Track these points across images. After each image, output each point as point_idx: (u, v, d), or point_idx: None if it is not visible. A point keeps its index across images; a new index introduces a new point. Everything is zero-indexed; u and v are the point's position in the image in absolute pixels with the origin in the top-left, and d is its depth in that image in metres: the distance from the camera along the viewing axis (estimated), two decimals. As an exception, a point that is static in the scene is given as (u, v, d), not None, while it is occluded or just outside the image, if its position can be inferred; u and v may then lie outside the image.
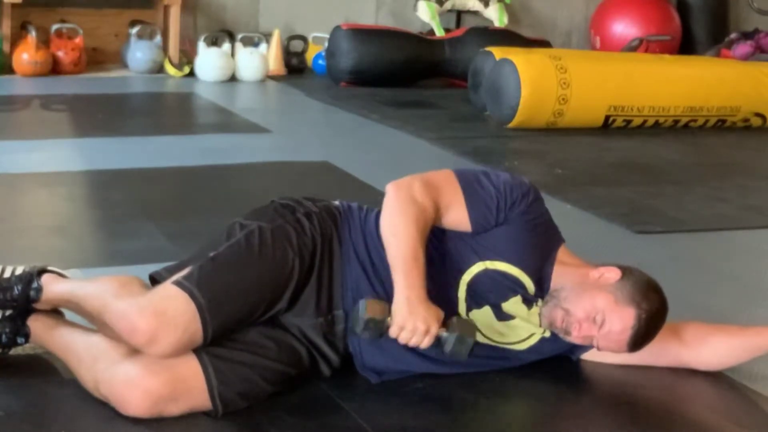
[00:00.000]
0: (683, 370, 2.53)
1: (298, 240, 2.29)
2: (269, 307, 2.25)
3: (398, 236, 2.25)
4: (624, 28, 8.54)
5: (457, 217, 2.33)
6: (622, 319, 2.27)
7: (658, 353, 2.50)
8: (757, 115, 6.42)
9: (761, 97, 6.37)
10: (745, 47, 8.08)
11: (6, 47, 6.96)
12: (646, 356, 2.50)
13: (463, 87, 6.71)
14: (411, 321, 2.17)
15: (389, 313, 2.19)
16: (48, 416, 2.15)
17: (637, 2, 8.69)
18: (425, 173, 2.37)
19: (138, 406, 2.08)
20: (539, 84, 5.75)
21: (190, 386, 2.13)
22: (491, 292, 2.34)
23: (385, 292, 2.31)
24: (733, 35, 8.45)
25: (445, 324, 2.21)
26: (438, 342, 2.20)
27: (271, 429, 2.14)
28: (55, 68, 7.03)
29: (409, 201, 2.28)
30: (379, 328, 2.18)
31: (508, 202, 2.33)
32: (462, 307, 2.34)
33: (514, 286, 2.35)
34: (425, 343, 2.18)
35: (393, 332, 2.18)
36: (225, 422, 2.15)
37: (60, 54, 7.07)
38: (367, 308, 2.17)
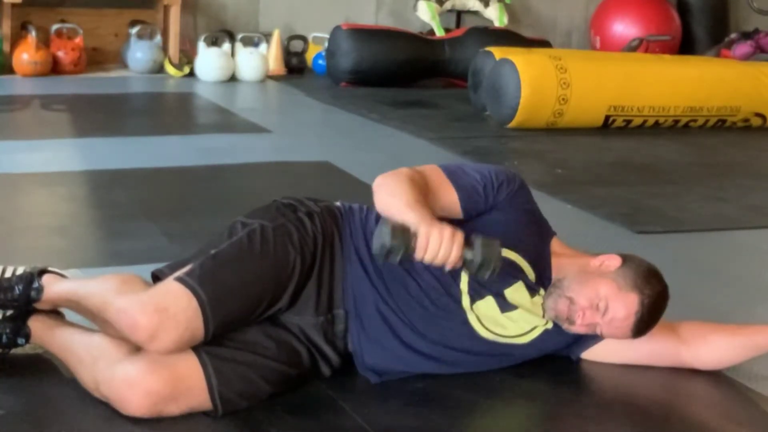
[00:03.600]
0: (683, 370, 2.53)
1: (300, 239, 2.30)
2: (270, 305, 2.25)
3: (396, 193, 2.22)
4: (624, 28, 8.55)
5: (447, 201, 2.34)
6: (626, 305, 2.28)
7: (658, 352, 2.50)
8: (757, 115, 6.42)
9: (761, 97, 6.38)
10: (745, 47, 8.09)
11: (6, 47, 6.96)
12: (646, 356, 2.51)
13: (463, 87, 6.71)
14: (437, 229, 2.12)
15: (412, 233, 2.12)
16: (48, 416, 2.15)
17: (637, 2, 8.69)
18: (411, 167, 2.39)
19: (138, 406, 2.08)
20: (539, 84, 5.75)
21: (190, 386, 2.13)
22: (493, 279, 2.34)
23: (387, 292, 2.33)
24: (733, 35, 8.46)
25: (467, 243, 2.14)
26: (464, 263, 2.14)
27: (271, 429, 2.14)
28: (55, 68, 7.04)
29: (399, 173, 2.29)
30: (407, 239, 2.09)
31: (495, 185, 2.36)
32: (465, 300, 2.34)
33: (514, 272, 2.35)
34: (455, 253, 2.12)
35: (420, 244, 2.11)
36: (225, 422, 2.15)
37: (60, 54, 7.08)
38: (389, 222, 2.11)
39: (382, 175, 2.33)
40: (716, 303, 3.13)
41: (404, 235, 2.10)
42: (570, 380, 2.49)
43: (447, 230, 2.12)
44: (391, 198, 2.23)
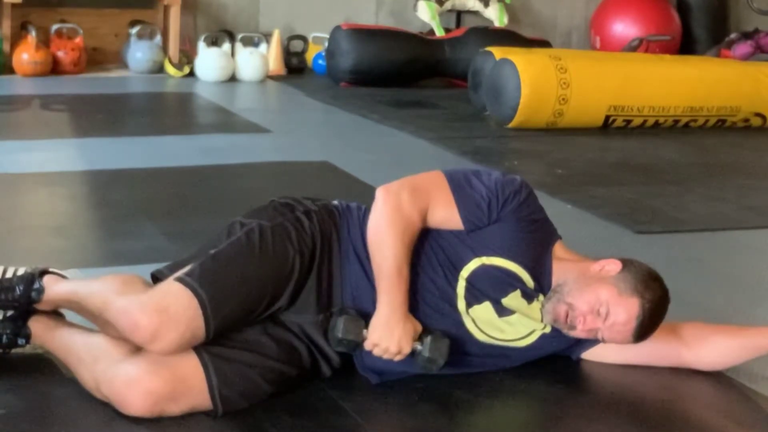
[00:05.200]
0: (683, 370, 2.53)
1: (298, 238, 2.30)
2: (270, 304, 2.25)
3: (383, 250, 2.28)
4: (624, 28, 8.55)
5: (449, 219, 2.34)
6: (627, 310, 2.28)
7: (658, 353, 2.50)
8: (757, 115, 6.42)
9: (761, 97, 6.37)
10: (745, 47, 8.09)
11: (6, 47, 6.97)
12: (646, 356, 2.51)
13: (463, 87, 6.71)
14: (385, 341, 2.25)
15: (365, 327, 2.27)
16: (48, 416, 2.15)
17: (637, 2, 8.69)
18: (415, 177, 2.39)
19: (139, 406, 2.08)
20: (539, 84, 5.75)
21: (190, 386, 2.13)
22: (490, 287, 2.34)
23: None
24: (733, 35, 8.46)
25: (420, 338, 2.29)
26: (413, 354, 2.30)
27: (271, 429, 2.14)
28: (55, 68, 7.04)
29: (397, 211, 2.29)
30: (353, 346, 2.28)
31: (500, 201, 2.34)
32: (462, 304, 2.35)
33: (512, 281, 2.35)
34: (397, 359, 2.28)
35: (367, 346, 2.27)
36: (225, 422, 2.15)
37: (60, 54, 7.08)
38: (343, 327, 2.25)
39: (384, 192, 2.33)
40: (716, 303, 3.12)
41: (350, 345, 2.27)
42: (570, 380, 2.49)
43: (392, 348, 2.26)
44: (378, 252, 2.29)
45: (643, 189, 4.62)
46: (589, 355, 2.53)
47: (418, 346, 2.28)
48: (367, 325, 2.27)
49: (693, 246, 3.81)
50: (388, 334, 2.25)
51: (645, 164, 5.24)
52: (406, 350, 2.27)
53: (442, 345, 2.29)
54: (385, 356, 2.27)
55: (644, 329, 2.32)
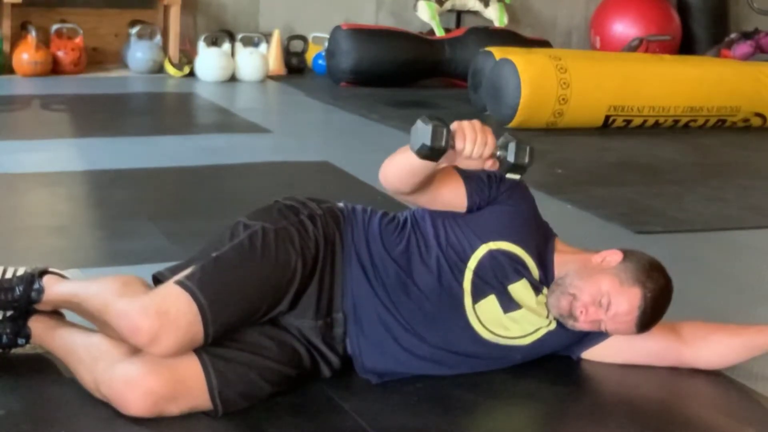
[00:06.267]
0: (683, 370, 2.53)
1: (301, 242, 2.29)
2: (270, 309, 2.25)
3: (401, 153, 2.26)
4: (624, 28, 8.55)
5: (452, 189, 2.35)
6: (629, 300, 2.29)
7: (658, 352, 2.50)
8: (757, 115, 6.43)
9: (761, 97, 6.38)
10: (745, 47, 8.09)
11: (6, 47, 6.97)
12: (646, 355, 2.51)
13: (463, 87, 6.71)
14: (469, 132, 2.15)
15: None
16: (48, 416, 2.15)
17: (637, 2, 8.70)
18: None
19: (138, 406, 2.08)
20: (539, 84, 5.75)
21: (190, 386, 2.13)
22: (496, 275, 2.34)
23: (387, 297, 2.32)
24: (733, 35, 8.46)
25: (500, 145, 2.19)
26: (499, 160, 2.18)
27: (271, 429, 2.14)
28: (55, 68, 7.05)
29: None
30: (446, 133, 2.12)
31: (497, 177, 2.37)
32: (468, 300, 2.34)
33: (518, 267, 2.35)
34: (490, 138, 2.16)
35: (458, 135, 2.15)
36: (225, 422, 2.15)
37: (60, 54, 7.09)
38: (425, 117, 2.14)
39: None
40: (716, 303, 3.13)
41: (441, 128, 2.11)
42: (570, 380, 2.49)
43: (476, 121, 2.17)
44: (399, 155, 2.26)
45: (643, 189, 4.62)
46: (589, 354, 2.53)
47: (498, 150, 2.17)
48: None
49: (693, 246, 3.81)
50: (470, 127, 2.15)
51: (645, 164, 5.24)
52: (492, 139, 2.15)
53: (525, 145, 2.17)
54: (479, 138, 2.13)
55: (647, 319, 2.32)
